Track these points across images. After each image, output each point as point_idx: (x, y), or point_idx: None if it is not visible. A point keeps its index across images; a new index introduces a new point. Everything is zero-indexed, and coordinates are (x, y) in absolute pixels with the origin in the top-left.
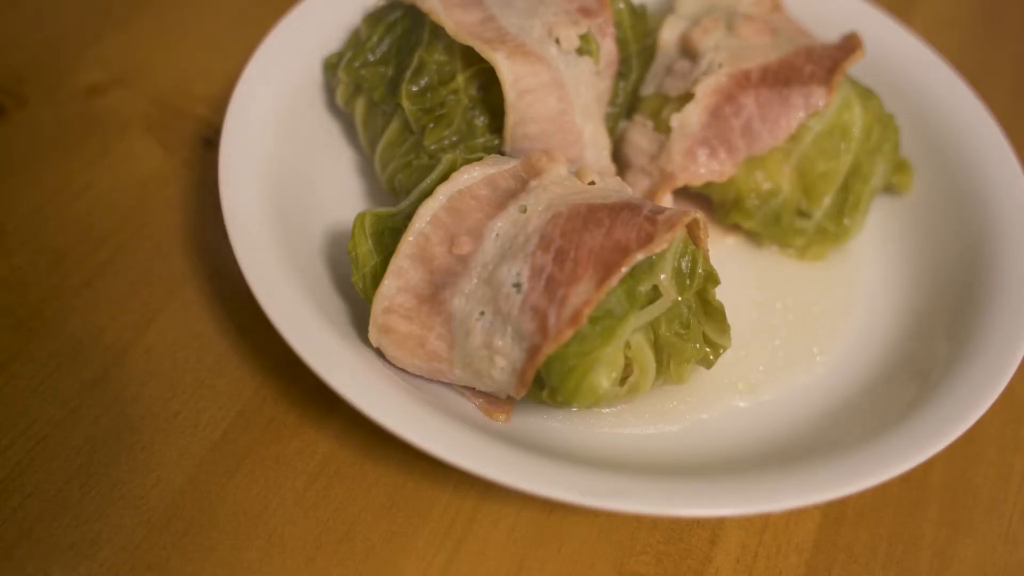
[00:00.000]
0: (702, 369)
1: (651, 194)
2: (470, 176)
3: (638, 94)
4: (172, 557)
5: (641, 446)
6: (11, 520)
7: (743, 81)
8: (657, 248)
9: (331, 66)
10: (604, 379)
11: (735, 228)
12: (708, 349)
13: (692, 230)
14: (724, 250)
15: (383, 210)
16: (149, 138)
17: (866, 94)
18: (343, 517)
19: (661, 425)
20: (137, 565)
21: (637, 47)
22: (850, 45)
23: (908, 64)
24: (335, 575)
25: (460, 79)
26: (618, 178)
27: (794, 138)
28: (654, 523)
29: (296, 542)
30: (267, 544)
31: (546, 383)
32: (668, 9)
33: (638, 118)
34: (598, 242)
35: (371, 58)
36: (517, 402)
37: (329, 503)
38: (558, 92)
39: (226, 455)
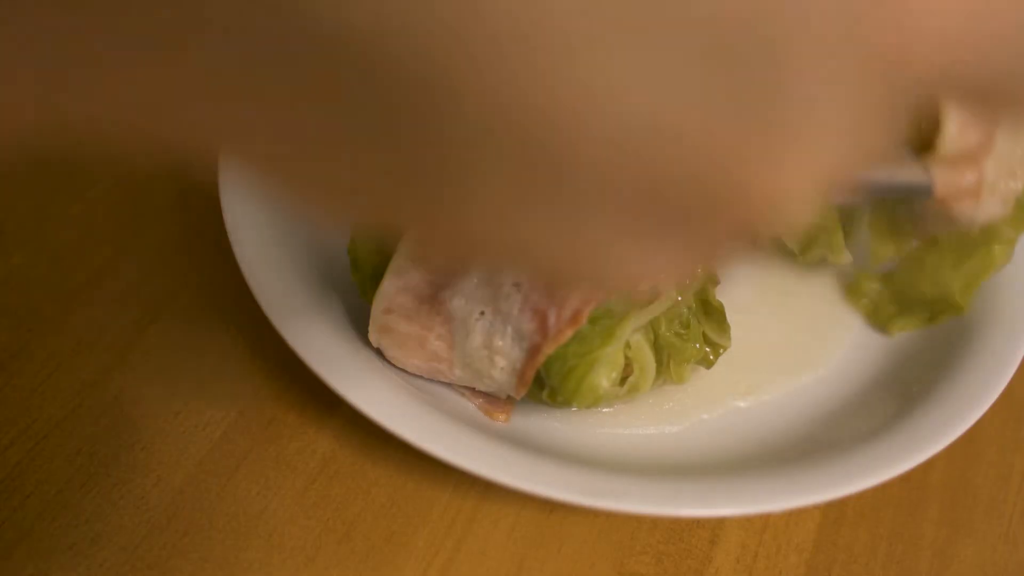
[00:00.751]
0: (702, 369)
1: None
2: None
3: None
4: (172, 557)
5: (641, 446)
6: (11, 520)
7: None
8: None
9: None
10: (604, 379)
11: None
12: (708, 349)
13: None
14: None
15: None
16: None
17: None
18: (343, 517)
19: (661, 425)
20: (137, 565)
21: None
22: None
23: None
24: (335, 575)
25: None
26: None
27: None
28: (654, 523)
29: (296, 542)
30: (267, 544)
31: (546, 383)
32: None
33: None
34: None
35: None
36: (517, 402)
37: (329, 503)
38: None
39: (226, 455)
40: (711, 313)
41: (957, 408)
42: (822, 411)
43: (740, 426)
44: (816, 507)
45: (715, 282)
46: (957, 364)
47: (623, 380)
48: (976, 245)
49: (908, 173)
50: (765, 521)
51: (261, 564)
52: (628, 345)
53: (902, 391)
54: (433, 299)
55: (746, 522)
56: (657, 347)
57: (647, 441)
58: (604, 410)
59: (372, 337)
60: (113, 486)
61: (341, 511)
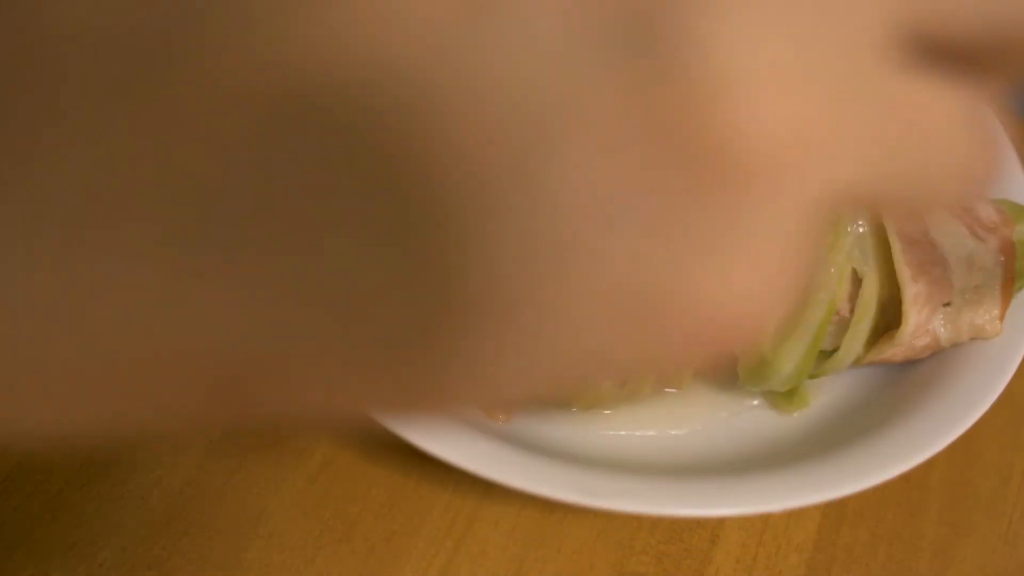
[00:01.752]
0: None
1: None
2: None
3: None
4: (172, 557)
5: (641, 447)
6: (11, 520)
7: None
8: None
9: None
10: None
11: None
12: None
13: None
14: None
15: None
16: None
17: None
18: (343, 517)
19: (663, 428)
20: (137, 565)
21: None
22: None
23: None
24: (335, 575)
25: None
26: None
27: None
28: (654, 523)
29: (296, 542)
30: (267, 544)
31: None
32: None
33: None
34: None
35: None
36: None
37: (329, 503)
38: None
39: (226, 455)
40: None
41: (957, 408)
42: (823, 411)
43: (741, 426)
44: (816, 507)
45: None
46: (957, 364)
47: (624, 382)
48: None
49: None
50: (765, 521)
51: (261, 564)
52: None
53: (902, 391)
54: None
55: (746, 522)
56: None
57: (648, 442)
58: (606, 411)
59: None
60: (113, 486)
61: (341, 511)
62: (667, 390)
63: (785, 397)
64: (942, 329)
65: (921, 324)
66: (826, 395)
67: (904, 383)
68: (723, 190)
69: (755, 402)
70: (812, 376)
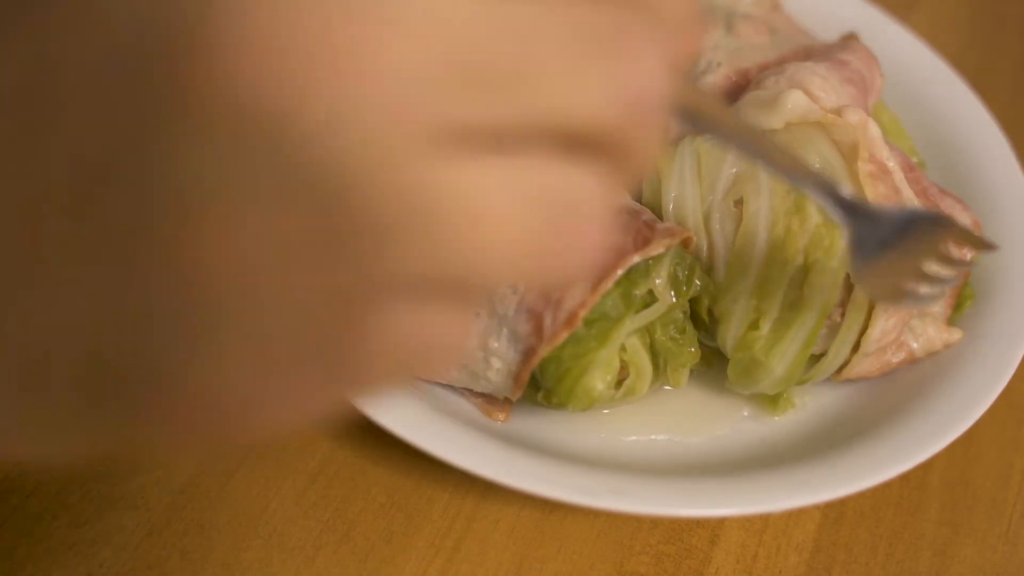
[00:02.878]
0: (704, 374)
1: None
2: None
3: None
4: (172, 557)
5: (641, 448)
6: (11, 520)
7: (742, 80)
8: (653, 251)
9: None
10: (599, 381)
11: None
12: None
13: (687, 246)
14: None
15: None
16: None
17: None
18: (343, 517)
19: (662, 432)
20: (137, 565)
21: None
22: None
23: (908, 64)
24: (335, 575)
25: None
26: None
27: None
28: (654, 523)
29: (296, 542)
30: (267, 544)
31: (541, 385)
32: None
33: None
34: None
35: None
36: (516, 402)
37: (329, 503)
38: None
39: (226, 455)
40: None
41: (957, 408)
42: (822, 411)
43: (741, 428)
44: (816, 507)
45: (710, 295)
46: (957, 364)
47: (619, 383)
48: None
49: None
50: (765, 521)
51: (261, 564)
52: (624, 348)
53: (902, 391)
54: None
55: (746, 522)
56: (653, 351)
57: (647, 444)
58: (604, 411)
59: None
60: (113, 486)
61: (341, 511)
62: (665, 388)
63: (771, 400)
64: (915, 343)
65: (888, 332)
66: (826, 395)
67: (904, 383)
68: None
69: (746, 413)
70: (799, 382)
